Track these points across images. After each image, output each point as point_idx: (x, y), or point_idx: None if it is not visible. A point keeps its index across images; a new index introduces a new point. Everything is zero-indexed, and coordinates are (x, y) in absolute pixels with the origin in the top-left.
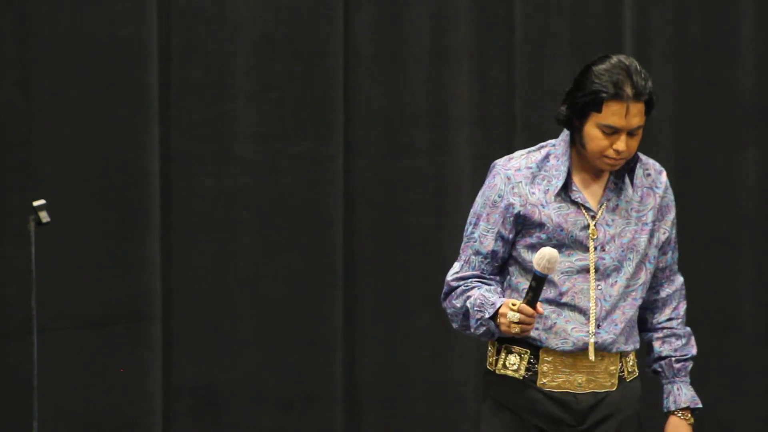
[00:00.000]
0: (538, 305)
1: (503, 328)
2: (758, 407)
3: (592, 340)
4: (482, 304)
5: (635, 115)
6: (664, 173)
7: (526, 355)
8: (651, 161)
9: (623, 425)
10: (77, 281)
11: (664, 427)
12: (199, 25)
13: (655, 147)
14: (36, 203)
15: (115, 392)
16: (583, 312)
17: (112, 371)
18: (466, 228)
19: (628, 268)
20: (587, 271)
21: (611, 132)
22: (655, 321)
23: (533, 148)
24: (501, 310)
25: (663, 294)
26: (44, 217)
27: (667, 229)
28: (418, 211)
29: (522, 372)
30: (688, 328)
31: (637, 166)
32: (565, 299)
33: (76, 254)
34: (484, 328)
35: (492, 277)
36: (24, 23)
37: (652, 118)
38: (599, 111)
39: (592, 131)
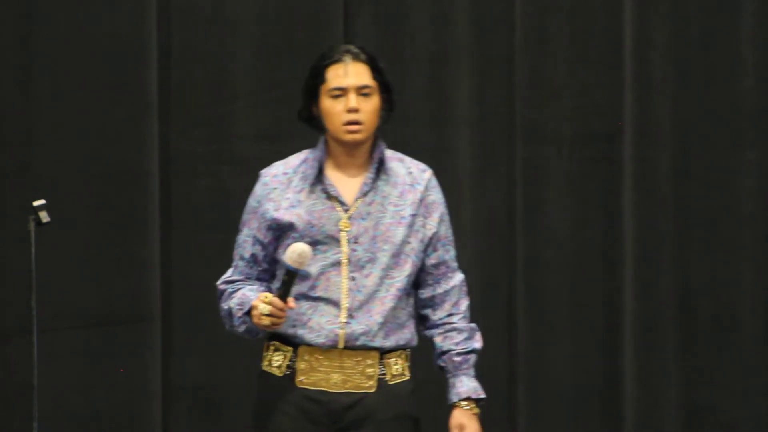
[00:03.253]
0: (290, 300)
1: (255, 320)
2: (758, 407)
3: (341, 330)
4: (242, 302)
5: (357, 74)
6: (429, 172)
7: (288, 353)
8: (416, 162)
9: (382, 427)
10: (77, 281)
11: (450, 419)
12: (199, 25)
13: (655, 147)
14: (36, 203)
15: (115, 392)
16: (337, 304)
17: (112, 371)
18: (239, 233)
19: (384, 258)
20: (340, 263)
21: (339, 94)
22: (435, 318)
23: (296, 154)
24: (253, 303)
25: (440, 290)
26: (44, 217)
27: (433, 226)
28: None
29: (283, 369)
30: (473, 324)
31: (400, 165)
32: (318, 293)
33: (76, 254)
34: (246, 326)
35: (258, 280)
36: (24, 23)
37: (652, 117)
38: (324, 80)
39: (325, 104)
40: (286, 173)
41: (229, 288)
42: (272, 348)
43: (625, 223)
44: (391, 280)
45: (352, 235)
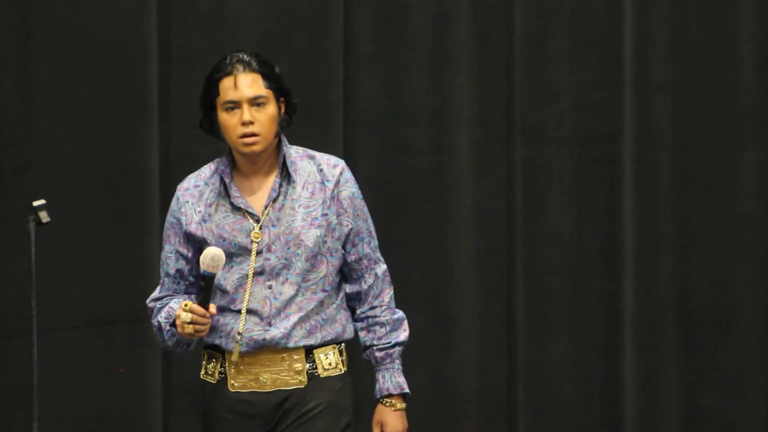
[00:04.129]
0: (211, 306)
1: (179, 330)
2: (758, 407)
3: (260, 338)
4: (168, 315)
5: (249, 85)
6: (340, 167)
7: (219, 359)
8: (327, 157)
9: (309, 412)
10: (77, 281)
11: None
12: (199, 25)
13: (656, 147)
14: (36, 203)
15: (115, 392)
16: (256, 313)
17: (112, 371)
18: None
19: (298, 264)
20: (256, 273)
21: (233, 107)
22: (359, 311)
23: (209, 164)
24: (176, 313)
25: (365, 285)
26: (44, 217)
27: (349, 222)
28: (418, 211)
29: (216, 376)
30: (399, 314)
31: (311, 162)
32: (238, 306)
33: (76, 254)
34: (175, 338)
35: (187, 294)
36: (24, 23)
37: (652, 117)
38: (218, 93)
39: (221, 117)
40: (197, 186)
41: (158, 304)
42: (206, 355)
43: (625, 223)
44: (307, 284)
45: (264, 245)
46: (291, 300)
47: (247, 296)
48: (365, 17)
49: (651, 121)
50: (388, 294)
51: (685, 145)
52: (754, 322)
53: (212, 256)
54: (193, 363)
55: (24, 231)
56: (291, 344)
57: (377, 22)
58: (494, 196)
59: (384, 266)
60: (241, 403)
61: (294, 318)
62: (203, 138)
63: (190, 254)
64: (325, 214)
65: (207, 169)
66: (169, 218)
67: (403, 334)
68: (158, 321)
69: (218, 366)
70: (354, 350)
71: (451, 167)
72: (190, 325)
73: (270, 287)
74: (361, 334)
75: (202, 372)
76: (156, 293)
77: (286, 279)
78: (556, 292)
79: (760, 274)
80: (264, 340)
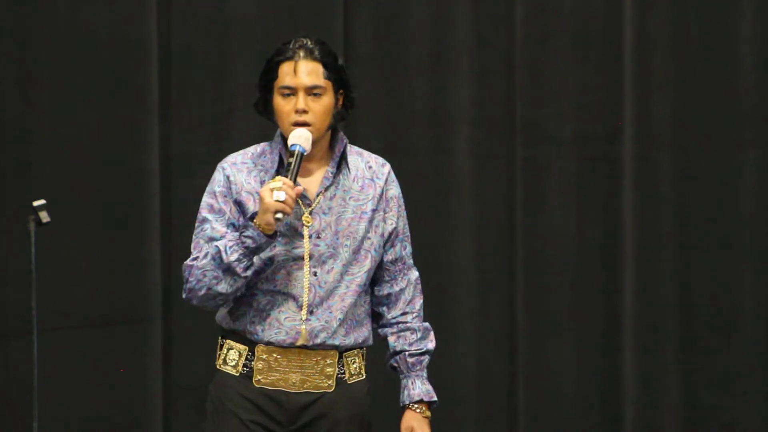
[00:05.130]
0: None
1: (266, 201)
2: (758, 407)
3: (302, 327)
4: (233, 236)
5: (308, 73)
6: (388, 166)
7: (244, 352)
8: (375, 156)
9: (338, 426)
10: (77, 281)
11: (401, 420)
12: (199, 25)
13: (656, 147)
14: (36, 203)
15: (115, 392)
16: (296, 299)
17: (112, 371)
18: (195, 230)
19: (345, 254)
20: (302, 258)
21: (289, 93)
22: (390, 316)
23: (251, 147)
24: (261, 191)
25: (396, 288)
26: (44, 217)
27: (393, 221)
28: (418, 211)
29: (239, 368)
30: (426, 324)
31: (359, 158)
32: (279, 287)
33: (76, 254)
34: (245, 245)
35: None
36: (24, 23)
37: (652, 117)
38: (276, 76)
39: (276, 101)
40: (245, 162)
41: (201, 254)
42: (226, 347)
43: (625, 223)
44: (351, 276)
45: (314, 230)
46: (334, 290)
47: (291, 280)
48: (365, 17)
49: (651, 121)
50: (419, 302)
51: (685, 145)
52: (754, 323)
53: (300, 133)
54: (194, 363)
55: (24, 231)
56: (330, 340)
57: (377, 22)
58: (494, 196)
59: (417, 273)
60: (265, 397)
61: (336, 313)
62: (203, 138)
63: (239, 221)
64: (375, 210)
65: (253, 149)
66: (215, 189)
67: (432, 344)
68: (212, 257)
69: (242, 359)
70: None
71: (451, 167)
72: (280, 190)
73: (315, 274)
74: (391, 339)
75: (219, 362)
76: (189, 259)
77: (332, 268)
78: (556, 292)
79: (760, 274)
80: (306, 331)
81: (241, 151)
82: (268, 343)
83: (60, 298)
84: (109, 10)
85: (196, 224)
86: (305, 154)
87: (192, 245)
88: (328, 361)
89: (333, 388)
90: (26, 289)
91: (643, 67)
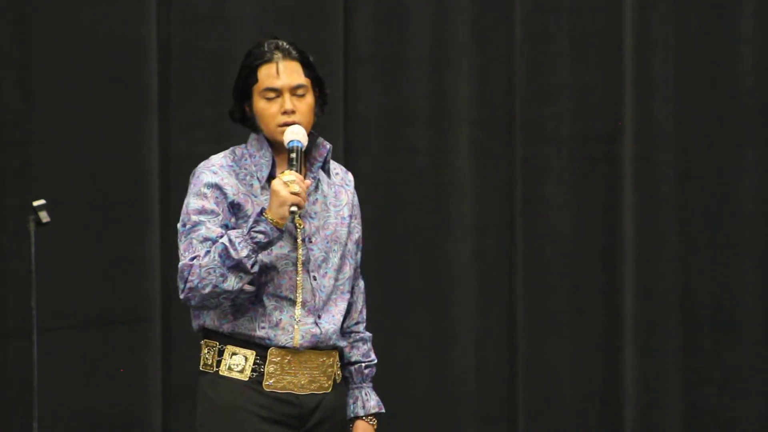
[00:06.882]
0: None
1: (282, 193)
2: (758, 407)
3: (317, 330)
4: (241, 232)
5: (290, 73)
6: (351, 175)
7: (252, 357)
8: (337, 164)
9: (336, 428)
10: (77, 281)
11: (351, 430)
12: (199, 25)
13: (656, 147)
14: (36, 203)
15: (115, 392)
16: (303, 304)
17: (112, 371)
18: (180, 233)
19: (335, 259)
20: (299, 262)
21: (274, 96)
22: (344, 324)
23: (223, 152)
24: (273, 184)
25: (353, 297)
26: (44, 217)
27: (359, 229)
28: (418, 211)
29: (248, 373)
30: (369, 333)
31: (330, 165)
32: (284, 292)
33: (76, 254)
34: (255, 241)
35: None
36: (24, 23)
37: (652, 117)
38: (256, 80)
39: (259, 105)
40: (230, 165)
41: (200, 253)
42: (227, 352)
43: (625, 223)
44: (340, 282)
45: (306, 234)
46: (330, 295)
47: (294, 284)
48: (365, 17)
49: (651, 121)
50: (365, 311)
51: (685, 145)
52: (754, 322)
53: (295, 130)
54: (193, 363)
55: (24, 231)
56: (338, 342)
57: (377, 22)
58: (494, 196)
59: (363, 282)
60: (279, 402)
61: (338, 316)
62: (203, 138)
63: (231, 223)
64: (351, 216)
65: (230, 153)
66: (203, 191)
67: (374, 355)
68: (218, 253)
69: (249, 363)
70: None
71: (451, 167)
72: (293, 183)
73: (315, 278)
74: (345, 349)
75: (223, 367)
76: (192, 255)
77: (326, 273)
78: (556, 292)
79: (760, 274)
80: (321, 333)
81: (219, 155)
82: (282, 347)
83: (60, 298)
84: (109, 10)
85: (184, 226)
86: (303, 148)
87: (182, 247)
88: (331, 361)
89: (331, 388)
90: (26, 289)
91: (643, 67)
